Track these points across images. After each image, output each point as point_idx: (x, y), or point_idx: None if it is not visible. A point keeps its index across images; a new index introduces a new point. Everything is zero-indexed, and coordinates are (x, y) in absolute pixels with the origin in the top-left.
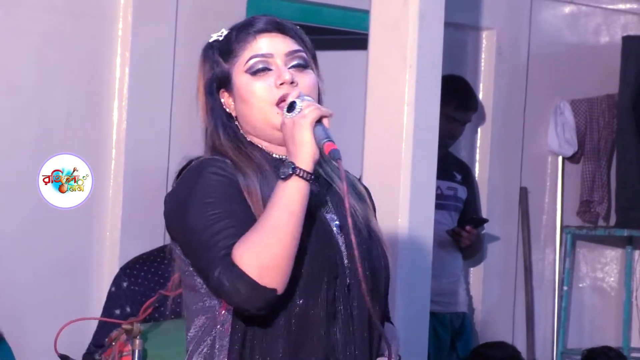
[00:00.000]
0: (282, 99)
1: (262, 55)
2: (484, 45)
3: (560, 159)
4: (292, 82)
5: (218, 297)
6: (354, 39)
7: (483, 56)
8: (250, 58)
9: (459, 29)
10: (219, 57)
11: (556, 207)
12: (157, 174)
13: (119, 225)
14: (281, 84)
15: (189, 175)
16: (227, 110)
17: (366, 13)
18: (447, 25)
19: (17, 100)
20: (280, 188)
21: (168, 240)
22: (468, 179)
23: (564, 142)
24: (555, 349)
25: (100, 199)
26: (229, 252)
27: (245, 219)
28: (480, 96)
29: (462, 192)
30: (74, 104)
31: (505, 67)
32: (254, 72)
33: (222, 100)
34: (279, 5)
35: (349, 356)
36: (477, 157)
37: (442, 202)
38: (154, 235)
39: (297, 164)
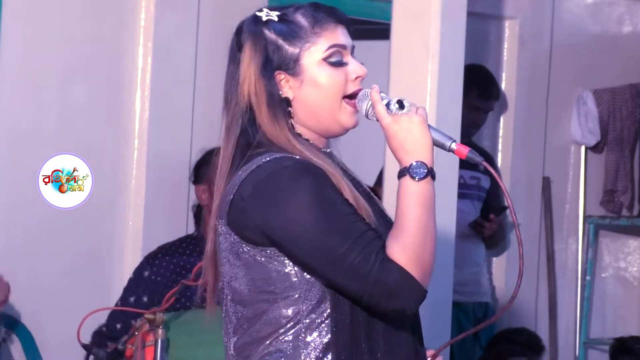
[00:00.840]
0: (353, 94)
1: (341, 47)
2: (506, 34)
3: (583, 148)
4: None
5: (367, 304)
6: (376, 28)
7: (506, 46)
8: (331, 47)
9: (482, 18)
10: (281, 38)
11: (579, 196)
12: (179, 164)
13: (141, 215)
14: (356, 77)
15: (287, 176)
16: (280, 93)
17: (389, 3)
18: (470, 14)
19: (40, 91)
20: (417, 188)
21: (191, 230)
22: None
23: (587, 131)
24: (577, 338)
25: (123, 189)
26: (385, 256)
27: (361, 218)
28: (503, 86)
29: (485, 182)
30: (97, 95)
31: (527, 57)
32: (333, 62)
33: (281, 82)
34: None
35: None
36: (500, 146)
37: (465, 191)
38: (177, 225)
39: (427, 163)
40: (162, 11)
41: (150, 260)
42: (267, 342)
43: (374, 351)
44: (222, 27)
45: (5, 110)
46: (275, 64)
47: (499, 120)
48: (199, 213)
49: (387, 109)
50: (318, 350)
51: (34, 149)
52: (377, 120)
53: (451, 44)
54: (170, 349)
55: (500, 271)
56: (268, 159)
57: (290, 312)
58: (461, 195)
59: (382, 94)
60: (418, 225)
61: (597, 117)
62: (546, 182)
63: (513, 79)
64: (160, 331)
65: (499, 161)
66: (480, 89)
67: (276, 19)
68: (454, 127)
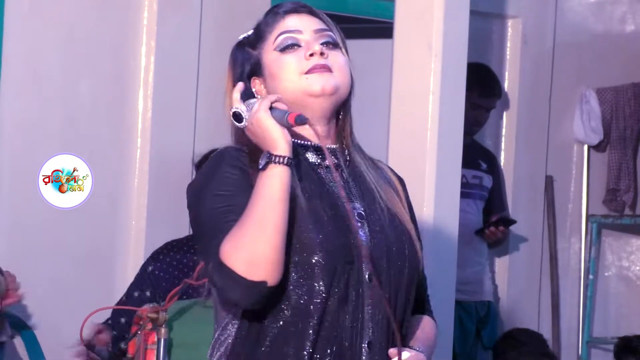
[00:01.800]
0: (310, 70)
1: (291, 32)
2: (509, 33)
3: (585, 147)
4: (322, 54)
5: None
6: (379, 27)
7: (508, 45)
8: (279, 35)
9: (485, 17)
10: (249, 49)
11: (582, 195)
12: (182, 163)
13: (144, 214)
14: (311, 54)
15: (206, 166)
16: (258, 97)
17: (391, 2)
18: (473, 13)
19: (43, 89)
20: (260, 179)
21: None
22: (493, 167)
23: (590, 130)
24: (580, 337)
25: (126, 188)
26: (218, 252)
27: (231, 211)
28: (506, 85)
29: (487, 181)
30: (100, 93)
31: (530, 56)
32: (283, 49)
33: (254, 88)
34: None
35: (357, 345)
36: (503, 145)
37: (467, 190)
38: (180, 223)
39: (272, 152)
40: (165, 10)
41: (155, 256)
42: (215, 335)
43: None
44: (225, 26)
45: (9, 109)
46: (248, 74)
47: (501, 119)
48: None
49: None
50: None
51: (38, 148)
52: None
53: (454, 42)
54: (173, 348)
55: (503, 270)
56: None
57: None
58: (463, 195)
59: (242, 104)
60: (252, 216)
61: (600, 116)
62: (549, 181)
63: (516, 78)
64: (162, 330)
65: (502, 160)
66: (482, 87)
67: (250, 33)
68: (457, 127)
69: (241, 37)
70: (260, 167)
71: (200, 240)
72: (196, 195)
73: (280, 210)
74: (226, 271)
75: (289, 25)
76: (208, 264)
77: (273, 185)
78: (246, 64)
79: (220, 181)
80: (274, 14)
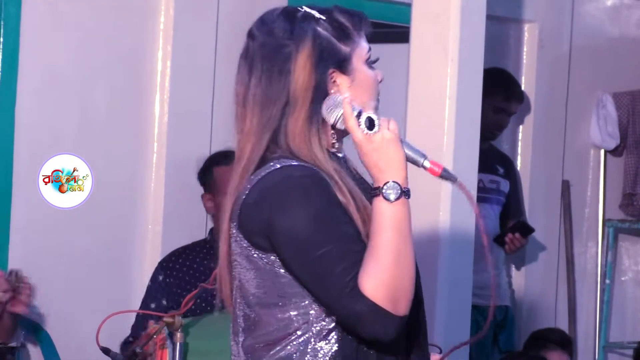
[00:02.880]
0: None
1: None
2: (525, 38)
3: (602, 152)
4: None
5: (344, 324)
6: (395, 32)
7: (525, 49)
8: (369, 50)
9: (501, 21)
10: (334, 37)
11: (598, 200)
12: (198, 168)
13: (160, 218)
14: (380, 81)
15: (309, 189)
16: (330, 90)
17: (408, 6)
18: (489, 18)
19: (59, 94)
20: (390, 210)
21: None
22: (511, 172)
23: (606, 135)
24: (597, 342)
25: (142, 193)
26: (356, 284)
27: (357, 238)
28: (522, 89)
29: (504, 186)
30: (116, 98)
31: (547, 60)
32: (372, 64)
33: (333, 80)
34: None
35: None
36: (519, 150)
37: (484, 195)
38: (196, 228)
39: (400, 183)
40: (182, 15)
41: (163, 265)
42: (278, 347)
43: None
44: (241, 30)
45: (26, 113)
46: (329, 62)
47: (518, 123)
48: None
49: (357, 121)
50: (327, 358)
51: (54, 152)
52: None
53: (470, 47)
54: (188, 355)
55: (520, 274)
56: (278, 166)
57: (300, 318)
58: (480, 199)
59: (353, 103)
60: (389, 251)
61: (617, 121)
62: (565, 186)
63: (532, 83)
64: (178, 334)
65: (519, 165)
66: (505, 92)
67: (325, 18)
68: (473, 132)
69: (316, 14)
70: (393, 198)
71: (314, 270)
72: (313, 220)
73: (411, 242)
74: (374, 308)
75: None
76: (341, 298)
77: (405, 218)
78: (332, 54)
79: (336, 207)
80: (359, 19)
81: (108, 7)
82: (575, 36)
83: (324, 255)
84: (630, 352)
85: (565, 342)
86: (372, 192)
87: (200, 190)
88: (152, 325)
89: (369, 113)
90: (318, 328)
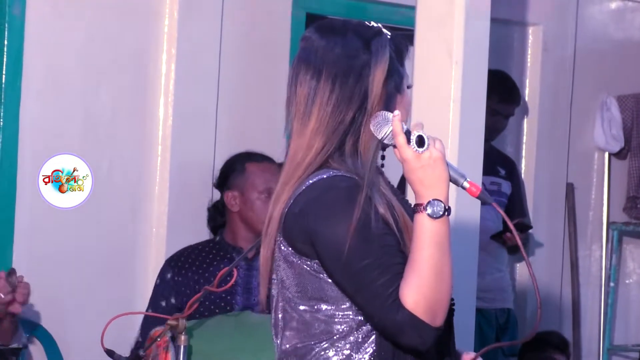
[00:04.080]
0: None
1: None
2: (530, 41)
3: (606, 155)
4: None
5: (383, 333)
6: (400, 35)
7: (529, 52)
8: (407, 76)
9: (505, 24)
10: (396, 57)
11: (602, 203)
12: (203, 170)
13: (165, 221)
14: None
15: (337, 198)
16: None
17: (412, 9)
18: (493, 21)
19: (64, 96)
20: (433, 227)
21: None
22: (512, 174)
23: (611, 138)
24: (601, 345)
25: (146, 195)
26: (397, 296)
27: (397, 249)
28: (527, 92)
29: (506, 187)
30: (120, 101)
31: (551, 63)
32: (408, 88)
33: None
34: (325, 1)
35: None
36: (524, 153)
37: None
38: (200, 231)
39: (443, 201)
40: (186, 17)
41: (172, 263)
42: (317, 348)
43: None
44: (245, 33)
45: (30, 115)
46: (393, 79)
47: (522, 126)
48: (214, 217)
49: (407, 139)
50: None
51: (58, 155)
52: (394, 146)
53: (475, 50)
54: (192, 357)
55: (523, 277)
56: (325, 176)
57: (342, 321)
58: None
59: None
60: (430, 266)
61: (621, 123)
62: (570, 189)
63: (536, 85)
64: (182, 337)
65: (523, 167)
66: (501, 94)
67: (390, 37)
68: (477, 134)
69: (387, 33)
70: (437, 215)
71: (358, 282)
72: (355, 231)
73: (450, 258)
74: (416, 321)
75: None
76: (383, 310)
77: (446, 235)
78: (397, 73)
79: (378, 218)
80: (407, 47)
81: (112, 9)
82: (579, 39)
83: (367, 267)
84: (634, 354)
85: (563, 345)
86: (415, 208)
87: (205, 192)
88: (155, 329)
89: (419, 132)
90: (357, 329)
